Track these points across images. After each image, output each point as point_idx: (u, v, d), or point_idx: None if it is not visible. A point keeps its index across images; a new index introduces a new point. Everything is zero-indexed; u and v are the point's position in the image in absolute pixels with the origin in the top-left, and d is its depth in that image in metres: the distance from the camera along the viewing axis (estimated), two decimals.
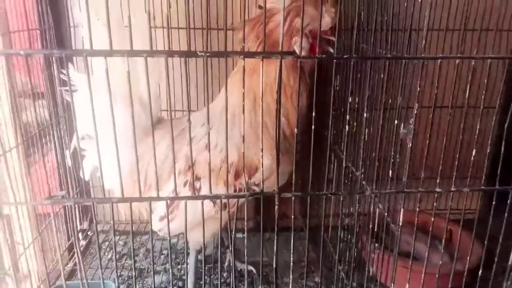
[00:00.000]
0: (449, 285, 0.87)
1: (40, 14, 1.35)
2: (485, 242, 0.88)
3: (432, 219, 0.83)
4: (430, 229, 0.88)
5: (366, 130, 0.81)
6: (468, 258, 0.90)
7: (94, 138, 0.77)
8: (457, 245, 0.95)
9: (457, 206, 1.16)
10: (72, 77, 1.23)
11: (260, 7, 1.27)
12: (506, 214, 0.82)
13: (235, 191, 1.14)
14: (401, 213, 0.78)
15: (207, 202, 1.15)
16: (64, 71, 1.21)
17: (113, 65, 1.17)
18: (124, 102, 1.14)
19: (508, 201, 0.80)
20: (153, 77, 1.02)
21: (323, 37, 1.13)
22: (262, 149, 0.76)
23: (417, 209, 0.80)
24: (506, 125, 0.74)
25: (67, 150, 1.42)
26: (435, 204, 0.78)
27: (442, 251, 0.92)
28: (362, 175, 0.94)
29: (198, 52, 0.63)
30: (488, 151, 0.77)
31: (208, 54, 0.63)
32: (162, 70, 1.18)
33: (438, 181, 0.76)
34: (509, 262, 0.82)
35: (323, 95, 1.26)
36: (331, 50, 1.09)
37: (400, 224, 0.79)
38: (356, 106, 0.95)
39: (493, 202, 0.77)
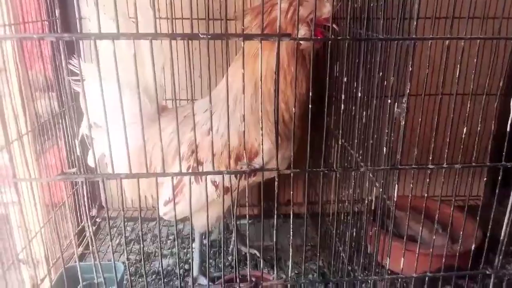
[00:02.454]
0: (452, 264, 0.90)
1: (48, 6, 1.40)
2: (489, 226, 0.91)
3: (426, 195, 0.86)
4: (436, 214, 0.90)
5: (364, 112, 0.85)
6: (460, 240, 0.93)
7: (104, 121, 0.81)
8: (458, 229, 0.98)
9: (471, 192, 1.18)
10: (80, 66, 1.28)
11: None
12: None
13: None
14: (396, 189, 0.82)
15: (209, 185, 1.20)
16: (72, 61, 1.27)
17: (119, 55, 1.22)
18: (130, 90, 1.18)
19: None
20: (157, 65, 1.06)
21: (324, 25, 1.17)
22: (262, 133, 0.78)
23: (411, 185, 0.84)
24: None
25: (75, 139, 1.47)
26: (427, 180, 0.81)
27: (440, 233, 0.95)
28: (360, 156, 0.97)
29: (200, 34, 0.67)
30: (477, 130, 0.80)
31: (209, 37, 0.67)
32: (166, 58, 1.22)
33: (430, 157, 0.80)
34: (501, 237, 0.85)
35: (324, 81, 1.29)
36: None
37: (395, 200, 0.82)
38: (354, 90, 0.99)
39: (499, 178, 0.79)
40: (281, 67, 1.19)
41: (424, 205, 0.87)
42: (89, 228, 0.83)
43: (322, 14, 1.14)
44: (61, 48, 0.73)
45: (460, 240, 0.94)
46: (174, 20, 1.45)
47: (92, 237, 0.85)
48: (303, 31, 1.14)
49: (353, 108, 1.03)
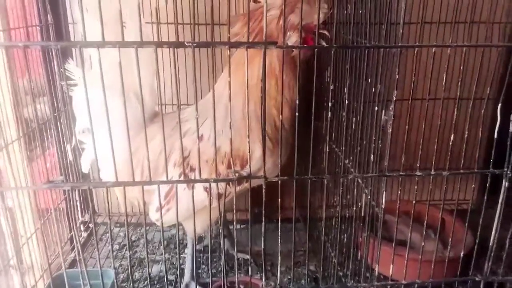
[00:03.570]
0: (444, 271, 0.90)
1: (40, 11, 1.39)
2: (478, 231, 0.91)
3: (414, 203, 0.86)
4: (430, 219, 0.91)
5: (353, 118, 0.85)
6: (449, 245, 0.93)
7: (92, 127, 0.81)
8: (449, 233, 0.98)
9: (459, 197, 1.18)
10: (71, 71, 1.28)
11: (255, 1, 1.31)
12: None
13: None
14: (383, 196, 0.82)
15: (201, 192, 1.19)
16: (65, 66, 1.27)
17: (109, 61, 1.22)
18: (121, 96, 1.18)
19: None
20: (148, 71, 1.06)
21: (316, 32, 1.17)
22: (249, 137, 0.78)
23: (399, 192, 0.84)
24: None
25: (68, 144, 1.46)
26: (415, 187, 0.81)
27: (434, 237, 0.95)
28: (349, 162, 0.97)
29: (185, 43, 0.66)
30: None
31: (195, 45, 0.67)
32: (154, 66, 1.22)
33: (418, 164, 0.80)
34: (490, 243, 0.85)
35: (315, 88, 1.29)
36: (324, 44, 1.13)
37: (383, 206, 0.82)
38: (345, 96, 0.99)
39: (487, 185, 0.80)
40: (272, 74, 1.19)
41: (412, 210, 0.87)
42: (75, 237, 0.82)
43: (314, 21, 1.14)
44: (53, 54, 0.73)
45: (449, 246, 0.94)
46: (159, 25, 1.45)
47: (79, 246, 0.84)
48: (294, 38, 1.14)
49: (344, 114, 1.03)
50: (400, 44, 0.71)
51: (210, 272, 1.01)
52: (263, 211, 0.80)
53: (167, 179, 0.77)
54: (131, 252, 1.67)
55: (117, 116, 0.81)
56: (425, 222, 0.90)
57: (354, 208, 0.93)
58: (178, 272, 1.56)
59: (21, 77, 1.29)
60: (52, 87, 1.41)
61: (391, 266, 0.87)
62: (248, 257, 1.58)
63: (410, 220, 0.90)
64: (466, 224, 0.88)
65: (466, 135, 0.78)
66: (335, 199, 1.15)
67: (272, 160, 1.20)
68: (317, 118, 1.29)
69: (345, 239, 1.07)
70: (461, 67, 0.73)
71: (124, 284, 1.48)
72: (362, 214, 0.96)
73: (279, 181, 0.78)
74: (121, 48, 0.68)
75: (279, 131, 1.22)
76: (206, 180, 0.78)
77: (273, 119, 1.20)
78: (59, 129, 1.44)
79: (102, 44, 0.67)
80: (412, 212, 0.87)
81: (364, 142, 0.94)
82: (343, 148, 1.02)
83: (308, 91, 0.81)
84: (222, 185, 1.15)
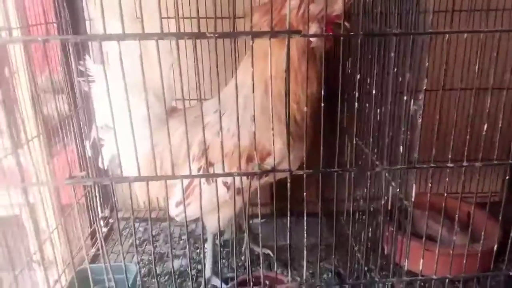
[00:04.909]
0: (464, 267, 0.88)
1: (57, 8, 1.39)
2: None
3: (445, 196, 0.83)
4: (457, 212, 0.87)
5: (377, 109, 0.82)
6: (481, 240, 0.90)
7: (112, 124, 0.80)
8: (476, 227, 0.95)
9: (482, 189, 1.15)
10: (89, 68, 1.27)
11: None
12: None
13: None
14: (413, 189, 0.79)
15: (221, 187, 1.18)
16: (82, 62, 1.26)
17: (128, 55, 1.21)
18: (139, 93, 1.17)
19: None
20: (165, 66, 1.04)
21: (336, 22, 1.13)
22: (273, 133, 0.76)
23: (430, 184, 0.81)
24: None
25: (86, 140, 1.46)
26: (447, 179, 0.78)
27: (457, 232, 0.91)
28: (375, 155, 0.94)
29: (207, 33, 0.65)
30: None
31: (217, 35, 0.65)
32: (174, 58, 1.21)
33: (450, 156, 0.77)
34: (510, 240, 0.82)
35: (335, 80, 1.26)
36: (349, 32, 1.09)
37: (413, 200, 0.80)
38: (368, 86, 0.96)
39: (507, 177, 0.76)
40: (291, 67, 1.16)
41: (444, 204, 0.84)
42: (98, 232, 0.81)
43: (334, 11, 1.11)
44: (70, 50, 0.72)
45: (481, 240, 0.91)
46: (179, 20, 1.43)
47: (102, 240, 0.84)
48: (314, 29, 1.11)
49: (367, 105, 1.00)
50: (430, 30, 0.67)
51: (235, 266, 0.99)
52: (288, 205, 0.78)
53: (190, 173, 0.75)
54: (152, 247, 1.67)
55: (134, 112, 0.80)
56: (457, 215, 0.87)
57: (383, 202, 0.90)
58: (197, 267, 1.56)
59: (40, 75, 1.29)
60: (69, 84, 1.41)
61: (421, 261, 0.85)
62: (268, 251, 1.56)
63: (438, 214, 0.87)
64: (500, 217, 0.84)
65: (500, 125, 0.74)
66: (358, 193, 1.12)
67: (292, 155, 1.17)
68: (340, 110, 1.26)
69: (370, 233, 1.04)
70: (495, 54, 0.70)
71: (146, 279, 1.48)
72: (389, 208, 0.93)
73: (304, 175, 0.76)
74: (141, 40, 0.66)
75: (300, 125, 1.20)
76: (229, 174, 0.77)
77: (293, 113, 1.18)
78: (78, 126, 1.44)
79: (123, 37, 0.66)
80: (444, 205, 0.84)
81: (390, 134, 0.91)
82: (367, 140, 0.99)
83: (326, 84, 0.78)
84: (243, 179, 1.13)
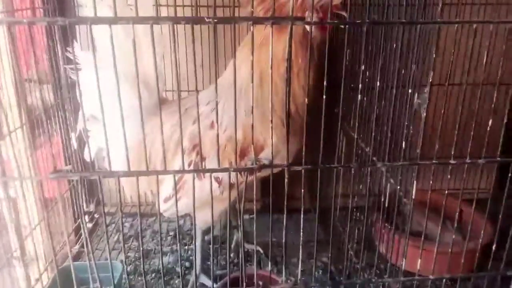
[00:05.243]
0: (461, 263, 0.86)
1: None
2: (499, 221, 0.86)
3: (446, 193, 0.81)
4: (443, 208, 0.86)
5: (378, 102, 0.79)
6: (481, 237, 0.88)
7: (100, 115, 0.76)
8: (469, 224, 0.93)
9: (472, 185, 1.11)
10: (77, 55, 1.21)
11: None
12: None
13: None
14: (414, 186, 0.77)
15: (212, 182, 1.14)
16: (69, 49, 1.21)
17: (116, 43, 1.15)
18: (128, 81, 1.12)
19: None
20: (157, 54, 1.00)
21: (334, 12, 1.10)
22: (272, 122, 0.73)
23: (431, 182, 0.78)
24: None
25: (72, 132, 1.40)
26: (449, 176, 0.76)
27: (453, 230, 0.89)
28: (372, 150, 0.92)
29: (205, 18, 0.60)
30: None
31: (215, 20, 0.61)
32: (165, 47, 1.16)
33: (452, 152, 0.74)
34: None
35: (332, 72, 1.23)
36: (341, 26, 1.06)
37: (413, 198, 0.77)
38: (367, 79, 0.93)
39: (510, 174, 0.74)
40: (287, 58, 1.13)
41: (444, 201, 0.82)
42: (83, 228, 0.77)
43: (333, 1, 1.08)
44: (56, 36, 0.68)
45: (467, 237, 0.89)
46: (175, 8, 1.38)
47: (87, 237, 0.79)
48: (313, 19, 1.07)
49: (365, 99, 0.97)
50: (438, 20, 0.65)
51: (227, 262, 0.96)
52: (285, 202, 0.74)
53: (182, 168, 0.71)
54: (138, 243, 1.62)
55: (123, 102, 0.75)
56: (456, 213, 0.84)
57: (382, 199, 0.87)
58: (185, 264, 1.52)
59: (24, 61, 1.23)
60: (56, 72, 1.35)
61: (419, 260, 0.82)
62: (258, 248, 1.53)
63: (431, 211, 0.85)
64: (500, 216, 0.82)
65: (505, 121, 0.72)
66: (355, 189, 1.09)
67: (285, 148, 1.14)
68: (335, 105, 1.23)
69: (364, 232, 1.02)
70: (503, 46, 0.67)
71: (131, 277, 1.44)
72: (386, 205, 0.90)
73: (303, 170, 0.73)
74: (135, 24, 0.62)
75: (294, 118, 1.17)
76: (225, 169, 0.73)
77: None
78: (64, 116, 1.39)
79: (115, 20, 0.61)
80: (444, 202, 0.82)
81: (386, 128, 0.89)
82: (364, 135, 0.96)
83: (322, 76, 0.75)
84: (234, 174, 1.09)
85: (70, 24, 0.62)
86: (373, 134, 0.82)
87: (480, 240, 0.95)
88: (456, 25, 0.64)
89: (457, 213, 0.89)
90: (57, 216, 1.43)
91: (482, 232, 0.92)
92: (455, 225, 0.95)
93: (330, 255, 0.83)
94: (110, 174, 0.71)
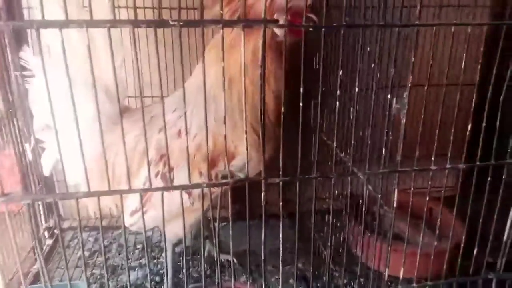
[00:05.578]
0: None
1: None
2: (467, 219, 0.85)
3: (427, 199, 0.79)
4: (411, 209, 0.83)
5: (357, 107, 0.76)
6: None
7: (53, 127, 0.68)
8: (437, 223, 0.91)
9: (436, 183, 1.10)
10: (28, 60, 1.12)
11: None
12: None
13: (210, 180, 1.07)
14: (395, 193, 0.74)
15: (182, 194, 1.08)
16: (20, 55, 1.11)
17: (70, 47, 1.06)
18: (86, 87, 1.04)
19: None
20: (116, 59, 0.92)
21: (304, 15, 1.06)
22: (246, 131, 0.68)
23: (411, 189, 0.76)
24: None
25: (26, 143, 1.30)
26: (430, 182, 0.74)
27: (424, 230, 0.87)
28: (348, 156, 0.88)
29: (170, 21, 0.55)
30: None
31: (181, 23, 0.55)
32: (127, 50, 1.09)
33: (433, 158, 0.72)
34: (504, 239, 0.79)
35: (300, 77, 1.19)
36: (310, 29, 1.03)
37: (395, 205, 0.74)
38: (339, 83, 0.90)
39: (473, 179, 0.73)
40: (255, 63, 1.08)
41: (426, 208, 0.80)
42: (37, 248, 0.69)
43: (301, 3, 1.04)
44: (6, 40, 0.60)
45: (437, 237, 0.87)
46: (136, 9, 1.30)
47: (41, 258, 0.72)
48: (281, 22, 1.03)
49: (337, 104, 0.94)
50: (417, 22, 0.62)
51: (203, 274, 0.90)
52: (263, 215, 0.70)
53: (150, 185, 0.65)
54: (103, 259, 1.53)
55: (80, 112, 0.68)
56: (440, 217, 0.82)
57: (363, 208, 0.84)
58: (155, 279, 1.44)
59: None
60: (6, 79, 1.25)
61: (402, 268, 0.80)
62: (231, 258, 1.48)
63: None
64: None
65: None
66: (327, 195, 1.06)
67: (257, 158, 1.09)
68: (308, 108, 1.20)
69: (341, 238, 0.99)
70: (482, 49, 0.65)
71: None
72: (364, 211, 0.87)
73: (281, 183, 0.68)
74: (89, 28, 0.55)
75: (265, 126, 1.12)
76: (197, 185, 0.67)
77: (258, 113, 1.10)
78: (17, 127, 1.28)
79: (65, 24, 0.54)
80: (426, 209, 0.80)
81: (361, 133, 0.85)
82: (340, 141, 0.93)
83: (294, 80, 0.71)
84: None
85: (14, 28, 0.55)
86: (353, 142, 0.78)
87: (449, 240, 0.93)
88: (434, 27, 0.62)
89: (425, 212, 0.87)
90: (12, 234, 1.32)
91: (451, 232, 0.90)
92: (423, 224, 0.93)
93: (300, 256, 0.79)
94: (67, 195, 0.64)
